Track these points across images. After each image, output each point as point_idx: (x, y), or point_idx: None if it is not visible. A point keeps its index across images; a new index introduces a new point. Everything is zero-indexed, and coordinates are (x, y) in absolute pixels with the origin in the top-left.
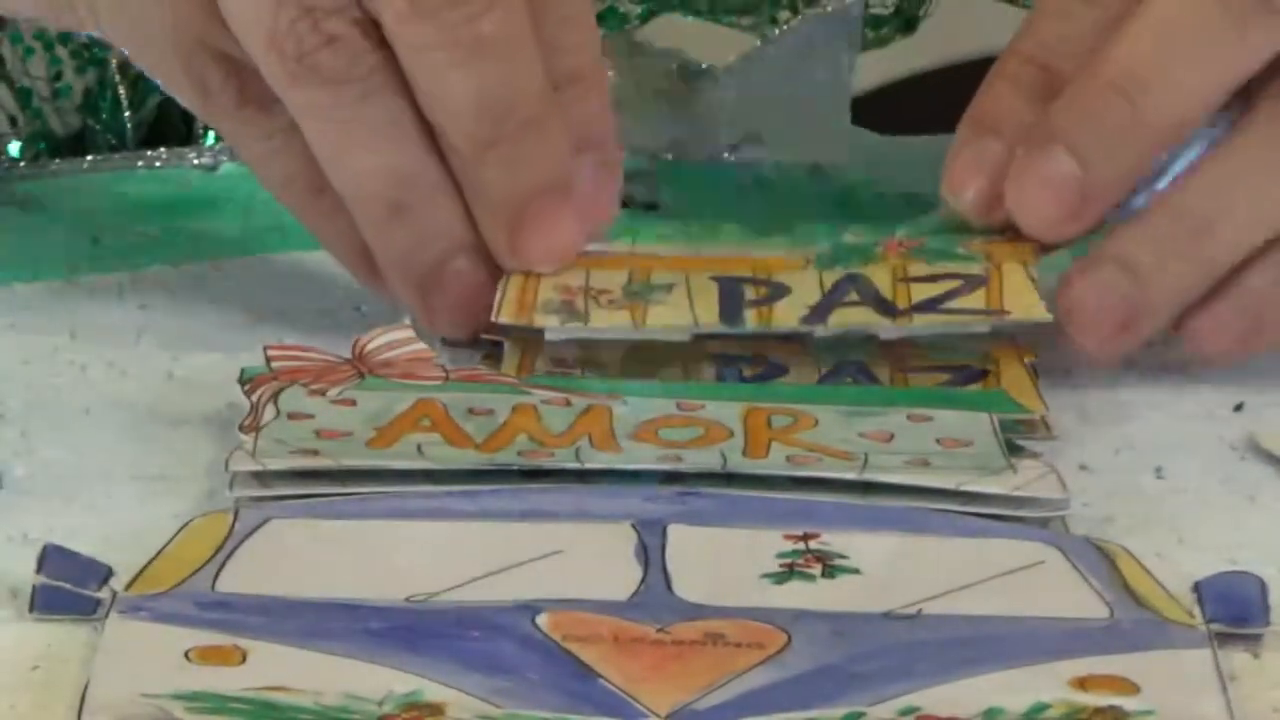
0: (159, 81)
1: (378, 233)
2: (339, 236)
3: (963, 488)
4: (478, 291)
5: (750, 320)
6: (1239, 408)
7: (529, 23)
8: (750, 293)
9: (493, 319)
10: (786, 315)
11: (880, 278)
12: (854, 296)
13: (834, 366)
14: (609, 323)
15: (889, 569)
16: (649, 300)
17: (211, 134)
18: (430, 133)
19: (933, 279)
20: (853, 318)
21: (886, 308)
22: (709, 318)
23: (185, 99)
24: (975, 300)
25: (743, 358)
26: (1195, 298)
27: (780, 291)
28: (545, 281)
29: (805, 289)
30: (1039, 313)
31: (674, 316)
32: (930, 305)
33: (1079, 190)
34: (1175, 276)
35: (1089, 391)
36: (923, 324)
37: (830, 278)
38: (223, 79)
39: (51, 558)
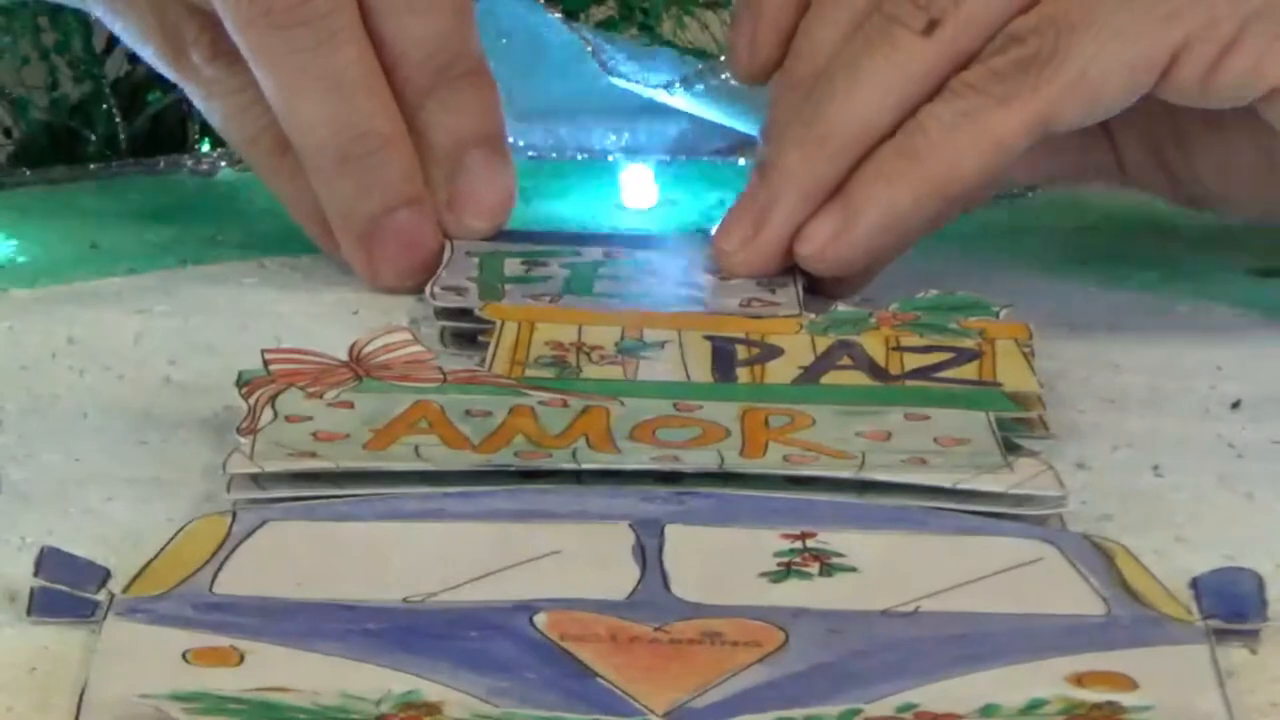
0: (132, 39)
1: (325, 183)
2: (299, 198)
3: (960, 486)
4: (419, 243)
5: (742, 379)
6: (1236, 405)
7: None
8: (743, 353)
9: (487, 369)
10: (779, 375)
11: (873, 345)
12: (847, 361)
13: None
14: (601, 377)
15: (886, 567)
16: (641, 357)
17: (208, 141)
18: (382, 85)
19: (926, 350)
20: (845, 380)
21: (879, 373)
22: (702, 376)
23: (159, 54)
24: (969, 372)
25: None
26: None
27: (773, 353)
28: (537, 336)
29: (798, 351)
30: (1032, 386)
31: (666, 374)
32: (923, 373)
33: None
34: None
35: (1087, 388)
36: (916, 388)
37: (823, 343)
38: (196, 32)
39: (49, 560)
